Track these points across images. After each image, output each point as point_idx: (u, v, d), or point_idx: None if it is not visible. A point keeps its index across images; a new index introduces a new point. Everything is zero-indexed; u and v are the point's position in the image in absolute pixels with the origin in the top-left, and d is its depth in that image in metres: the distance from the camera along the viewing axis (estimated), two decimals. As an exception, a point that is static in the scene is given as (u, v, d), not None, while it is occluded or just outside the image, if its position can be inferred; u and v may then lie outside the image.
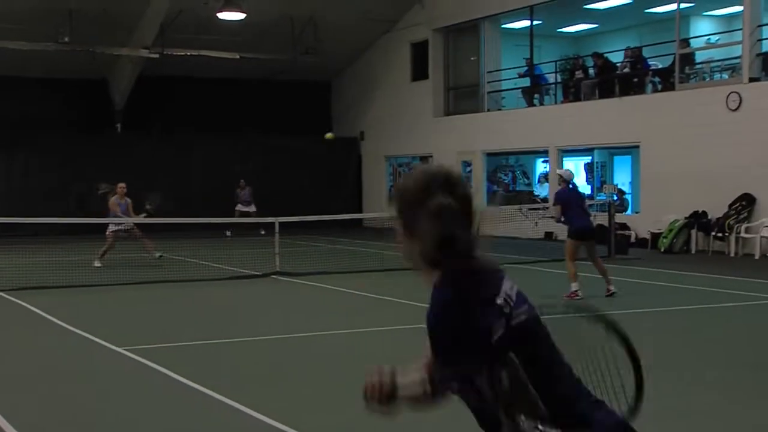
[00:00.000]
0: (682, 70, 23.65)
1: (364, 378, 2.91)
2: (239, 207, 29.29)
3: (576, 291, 13.52)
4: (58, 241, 23.77)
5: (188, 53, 29.81)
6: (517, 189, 31.04)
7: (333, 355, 10.13)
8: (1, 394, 8.08)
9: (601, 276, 14.03)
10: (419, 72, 32.01)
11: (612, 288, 13.81)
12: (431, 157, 31.74)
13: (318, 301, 14.87)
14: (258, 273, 17.81)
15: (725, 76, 23.02)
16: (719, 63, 23.80)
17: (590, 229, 14.38)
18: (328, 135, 28.79)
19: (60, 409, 7.76)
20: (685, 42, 24.33)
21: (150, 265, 19.23)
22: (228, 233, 28.55)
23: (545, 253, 21.17)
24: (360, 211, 33.53)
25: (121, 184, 19.93)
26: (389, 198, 2.91)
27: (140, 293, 15.54)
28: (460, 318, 2.75)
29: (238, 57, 30.61)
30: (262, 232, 28.73)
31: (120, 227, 19.58)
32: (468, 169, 30.25)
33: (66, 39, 27.67)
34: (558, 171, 15.57)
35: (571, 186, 14.80)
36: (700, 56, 24.65)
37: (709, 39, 26.22)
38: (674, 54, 23.90)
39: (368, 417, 4.20)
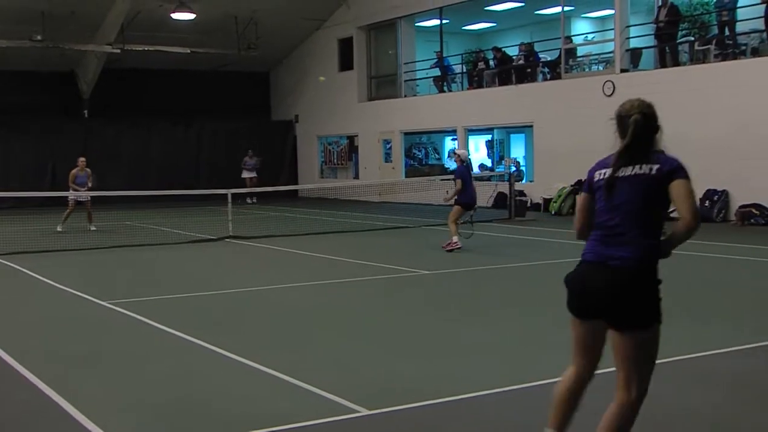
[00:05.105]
0: (567, 62, 24.08)
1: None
2: (245, 174, 29.66)
3: (457, 242, 14.54)
4: (34, 212, 23.44)
5: (146, 48, 29.44)
6: (429, 163, 31.37)
7: (273, 305, 10.19)
8: (16, 339, 8.07)
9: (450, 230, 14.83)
10: (346, 63, 32.00)
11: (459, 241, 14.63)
12: (357, 136, 31.97)
13: (264, 260, 14.82)
14: (213, 237, 17.77)
15: (601, 67, 23.52)
16: (596, 56, 24.28)
17: (475, 201, 15.20)
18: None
19: (64, 347, 7.81)
20: (568, 39, 24.78)
21: (116, 231, 19.12)
22: (251, 200, 29.50)
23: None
24: (296, 183, 33.67)
25: (82, 158, 19.58)
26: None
27: (110, 256, 15.29)
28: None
29: (189, 51, 30.32)
30: (254, 200, 29.19)
31: (77, 197, 19.19)
32: (388, 146, 30.53)
33: (39, 37, 27.11)
34: (457, 151, 15.92)
35: (465, 164, 15.24)
36: (580, 51, 25.06)
37: (587, 36, 26.77)
38: (560, 49, 24.33)
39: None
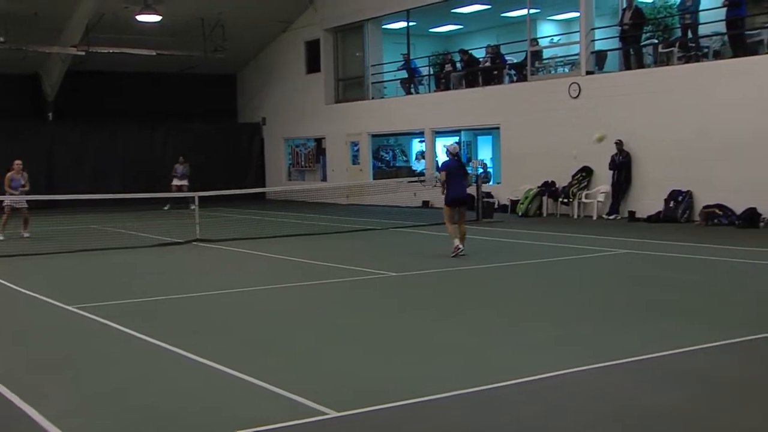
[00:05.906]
0: (533, 65, 24.22)
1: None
2: (175, 181, 28.45)
3: (458, 245, 14.01)
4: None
5: (111, 50, 29.20)
6: (397, 165, 31.39)
7: (241, 308, 10.18)
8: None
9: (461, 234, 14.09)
10: (312, 66, 31.96)
11: (461, 248, 13.93)
12: (324, 138, 31.93)
13: (231, 263, 14.74)
14: (180, 240, 17.66)
15: (567, 69, 23.69)
16: (562, 59, 24.40)
17: (462, 197, 14.36)
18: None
19: (30, 352, 7.73)
20: (534, 41, 24.93)
21: (82, 235, 18.86)
22: (166, 207, 27.68)
23: (423, 219, 21.63)
24: (264, 185, 33.58)
25: (17, 161, 18.76)
26: None
27: (76, 260, 15.16)
28: None
29: (154, 54, 30.11)
30: (192, 207, 28.43)
31: (13, 203, 18.57)
32: (355, 148, 30.52)
33: (1, 39, 26.77)
34: (446, 145, 15.76)
35: (456, 158, 15.06)
36: (546, 53, 25.18)
37: (552, 39, 26.94)
38: (526, 51, 24.48)
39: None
